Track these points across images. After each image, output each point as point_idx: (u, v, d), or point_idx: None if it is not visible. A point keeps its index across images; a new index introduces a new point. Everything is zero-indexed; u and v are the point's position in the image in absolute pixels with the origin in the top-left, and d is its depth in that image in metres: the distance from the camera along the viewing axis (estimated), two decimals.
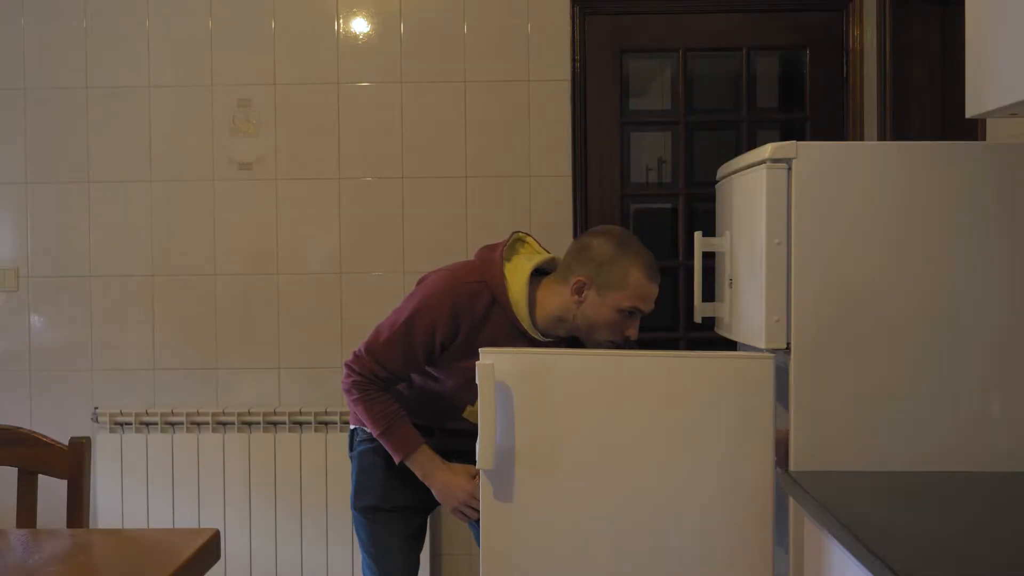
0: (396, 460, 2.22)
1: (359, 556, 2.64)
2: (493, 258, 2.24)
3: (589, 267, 2.18)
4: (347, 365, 2.24)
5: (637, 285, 2.17)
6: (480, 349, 2.03)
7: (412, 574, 2.35)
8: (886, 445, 1.98)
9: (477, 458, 1.99)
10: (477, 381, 1.98)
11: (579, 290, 2.18)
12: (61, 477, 1.89)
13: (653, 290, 2.20)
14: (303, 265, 3.27)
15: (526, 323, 2.21)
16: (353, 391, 2.23)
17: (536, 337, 2.24)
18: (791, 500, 1.94)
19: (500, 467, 1.99)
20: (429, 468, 2.21)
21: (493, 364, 1.97)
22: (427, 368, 2.24)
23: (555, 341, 2.28)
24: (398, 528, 2.32)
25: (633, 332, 2.23)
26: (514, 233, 2.33)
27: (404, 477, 2.26)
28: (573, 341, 2.31)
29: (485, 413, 1.97)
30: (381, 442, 2.23)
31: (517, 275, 2.22)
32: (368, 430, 2.27)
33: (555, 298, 2.22)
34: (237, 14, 3.26)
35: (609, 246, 2.20)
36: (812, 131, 3.25)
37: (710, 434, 1.97)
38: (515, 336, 2.21)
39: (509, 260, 2.25)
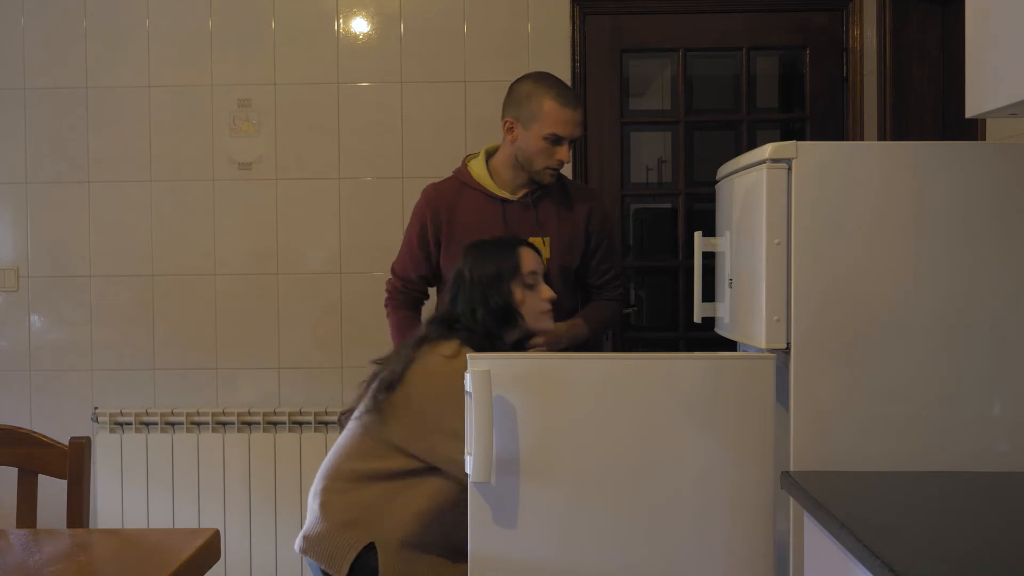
0: None
1: None
2: (461, 164, 2.62)
3: (512, 108, 2.48)
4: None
5: (551, 113, 2.41)
6: (468, 356, 1.97)
7: None
8: (886, 445, 1.98)
9: (470, 471, 1.91)
10: (470, 389, 1.89)
11: (510, 129, 2.48)
12: (61, 477, 1.89)
13: (568, 114, 2.42)
14: (303, 265, 3.27)
15: (491, 186, 2.51)
16: (386, 307, 2.63)
17: (505, 196, 2.50)
18: (791, 500, 1.93)
19: (502, 473, 1.98)
20: None
21: (489, 371, 1.93)
22: (437, 270, 2.55)
23: (524, 198, 2.51)
24: None
25: (563, 155, 2.45)
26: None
27: None
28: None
29: (479, 421, 1.92)
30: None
31: (476, 160, 2.58)
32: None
33: (501, 153, 2.54)
34: (237, 14, 3.26)
35: (526, 85, 2.47)
36: (812, 131, 3.25)
37: (710, 434, 1.97)
38: (489, 205, 2.49)
39: (473, 159, 2.60)
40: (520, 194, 2.51)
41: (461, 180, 2.54)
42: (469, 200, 2.51)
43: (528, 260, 2.21)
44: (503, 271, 2.18)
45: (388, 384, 2.07)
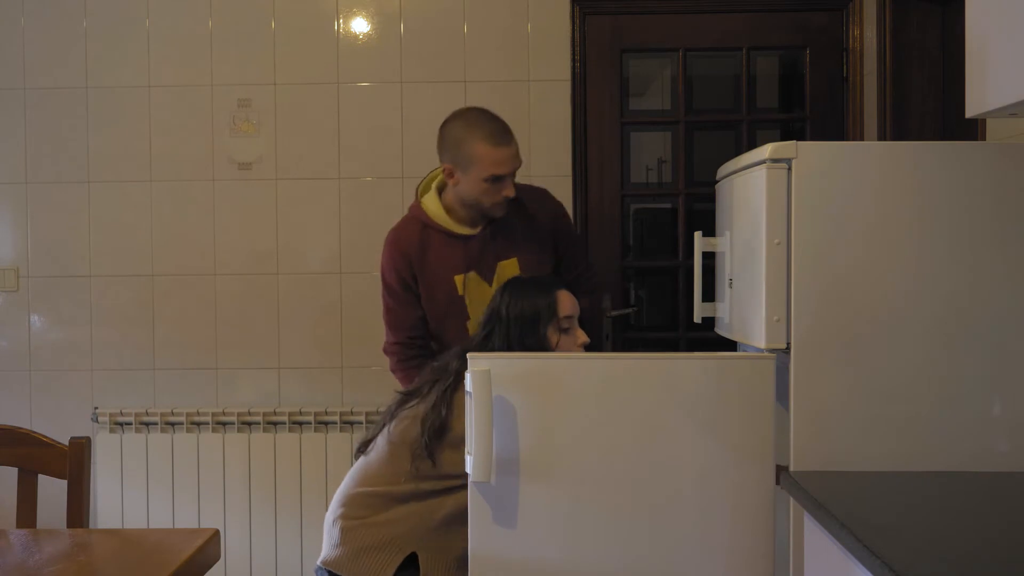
0: None
1: None
2: (415, 199, 2.57)
3: (448, 154, 2.42)
4: (383, 352, 2.57)
5: (486, 156, 2.35)
6: (468, 355, 2.00)
7: None
8: (886, 445, 1.98)
9: (470, 471, 1.93)
10: (470, 389, 1.94)
11: (451, 175, 2.43)
12: (61, 477, 1.89)
13: (503, 153, 2.36)
14: (303, 265, 3.27)
15: (450, 225, 2.47)
16: (396, 372, 2.55)
17: (464, 232, 2.47)
18: (791, 500, 1.93)
19: (502, 473, 1.98)
20: None
21: (489, 371, 1.94)
22: (424, 311, 2.51)
23: (483, 231, 2.47)
24: None
25: (508, 191, 2.39)
26: (429, 173, 2.58)
27: None
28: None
29: (479, 421, 1.92)
30: None
31: (429, 196, 2.53)
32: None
33: (449, 192, 2.49)
34: (237, 14, 3.26)
35: (457, 129, 2.41)
36: (812, 131, 3.25)
37: (710, 434, 1.97)
38: (452, 243, 2.47)
39: (426, 193, 2.56)
40: (479, 227, 2.48)
41: (421, 221, 2.50)
42: (433, 240, 2.48)
43: (565, 304, 2.21)
44: (540, 313, 2.18)
45: (438, 432, 2.08)
